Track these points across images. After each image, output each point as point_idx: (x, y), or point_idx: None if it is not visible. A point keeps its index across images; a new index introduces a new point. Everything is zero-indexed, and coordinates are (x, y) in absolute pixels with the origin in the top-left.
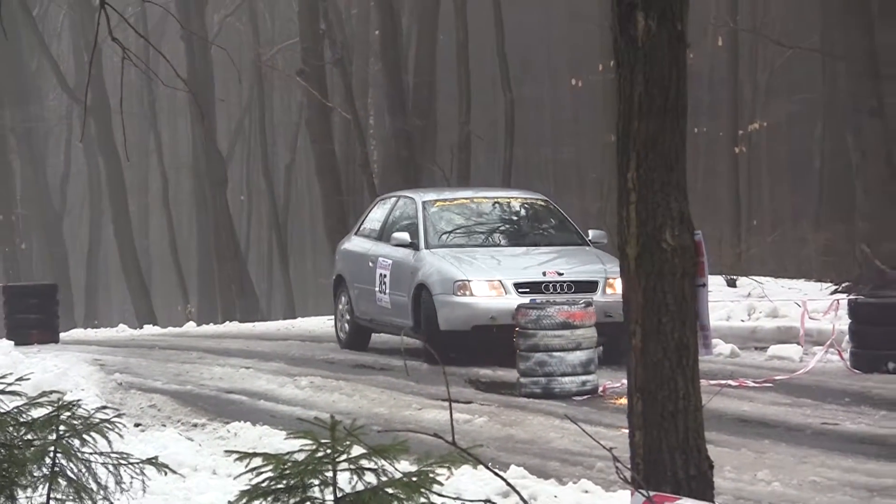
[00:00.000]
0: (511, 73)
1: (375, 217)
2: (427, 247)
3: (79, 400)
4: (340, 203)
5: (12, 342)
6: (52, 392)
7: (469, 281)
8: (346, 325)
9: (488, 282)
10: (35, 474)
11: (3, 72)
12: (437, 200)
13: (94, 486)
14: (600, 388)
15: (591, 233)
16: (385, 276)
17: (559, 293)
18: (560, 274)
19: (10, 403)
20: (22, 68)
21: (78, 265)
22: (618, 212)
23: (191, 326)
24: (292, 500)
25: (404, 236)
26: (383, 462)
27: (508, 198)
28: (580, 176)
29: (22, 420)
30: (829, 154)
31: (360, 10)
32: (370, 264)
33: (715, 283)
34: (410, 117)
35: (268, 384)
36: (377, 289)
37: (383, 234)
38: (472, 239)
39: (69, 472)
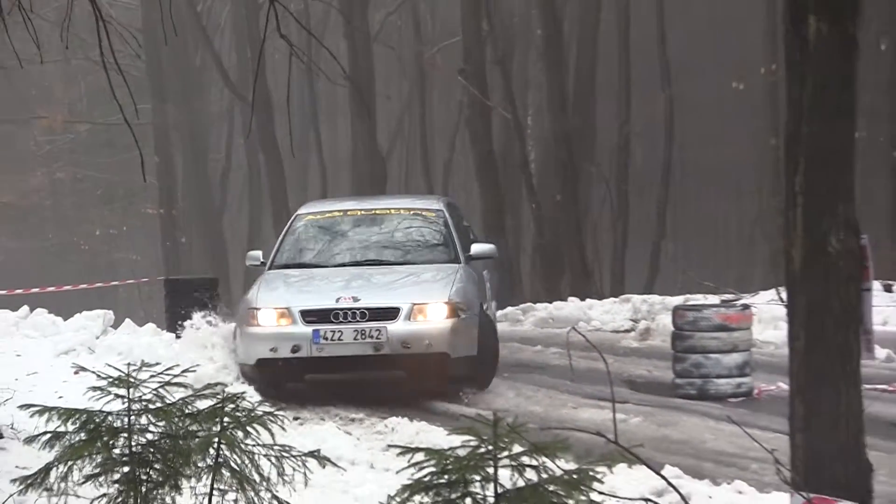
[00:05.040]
0: (672, 74)
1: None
2: (271, 267)
3: (243, 392)
4: (499, 202)
5: (174, 335)
6: (216, 384)
7: (258, 309)
8: None
9: (276, 310)
10: (199, 465)
11: (168, 68)
12: (309, 214)
13: (256, 478)
14: (755, 391)
15: (473, 247)
16: None
17: (349, 322)
18: (356, 300)
19: (175, 395)
20: (186, 64)
21: (237, 260)
22: (784, 214)
23: None
24: (454, 496)
25: (256, 255)
26: (544, 459)
27: (391, 209)
28: (737, 178)
29: (187, 412)
30: None
31: (522, 10)
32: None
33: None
34: (570, 118)
35: None
36: None
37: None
38: (323, 258)
39: (232, 464)
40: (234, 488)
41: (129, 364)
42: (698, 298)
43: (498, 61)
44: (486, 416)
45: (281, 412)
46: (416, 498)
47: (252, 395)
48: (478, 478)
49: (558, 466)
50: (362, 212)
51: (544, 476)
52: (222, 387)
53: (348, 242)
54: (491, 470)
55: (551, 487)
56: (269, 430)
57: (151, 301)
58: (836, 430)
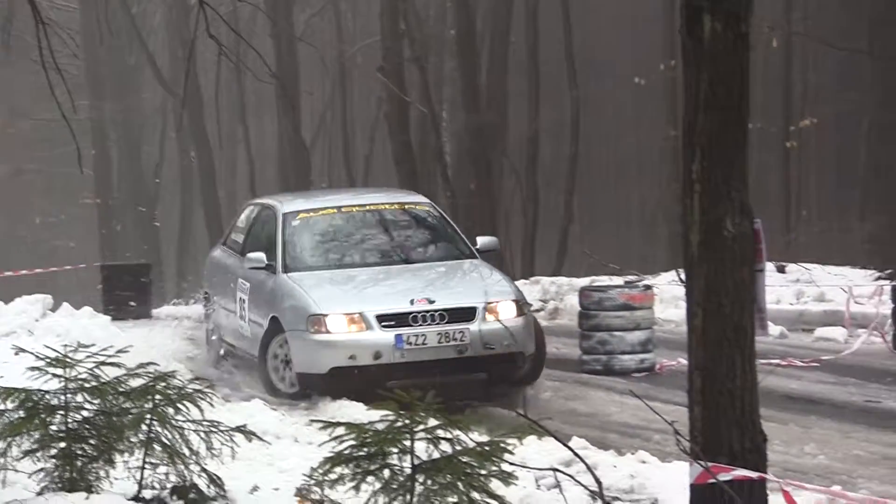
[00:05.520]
0: (578, 71)
1: (240, 226)
2: (285, 270)
3: (174, 371)
4: (415, 191)
5: (109, 317)
6: (148, 364)
7: (325, 315)
8: (219, 347)
9: (347, 315)
10: (132, 440)
11: (104, 67)
12: (300, 212)
13: (186, 452)
14: (657, 366)
15: (479, 240)
16: (244, 300)
17: (429, 325)
18: (431, 302)
19: (110, 374)
20: (122, 63)
21: (169, 247)
22: (682, 201)
23: None
24: (372, 467)
25: (260, 257)
26: (458, 432)
27: (384, 204)
28: (640, 168)
29: (121, 390)
30: (874, 150)
31: (437, 10)
32: (231, 284)
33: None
34: (483, 113)
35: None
36: (237, 314)
37: (245, 249)
38: (338, 258)
39: (164, 438)
40: (164, 462)
41: (66, 345)
42: (604, 280)
43: (415, 59)
44: (402, 393)
45: (209, 390)
46: (338, 469)
47: (182, 375)
48: (395, 450)
49: (471, 439)
50: (357, 208)
51: (458, 448)
52: (154, 366)
53: (364, 241)
54: (408, 443)
55: (465, 459)
56: (199, 407)
57: (88, 286)
58: (732, 402)
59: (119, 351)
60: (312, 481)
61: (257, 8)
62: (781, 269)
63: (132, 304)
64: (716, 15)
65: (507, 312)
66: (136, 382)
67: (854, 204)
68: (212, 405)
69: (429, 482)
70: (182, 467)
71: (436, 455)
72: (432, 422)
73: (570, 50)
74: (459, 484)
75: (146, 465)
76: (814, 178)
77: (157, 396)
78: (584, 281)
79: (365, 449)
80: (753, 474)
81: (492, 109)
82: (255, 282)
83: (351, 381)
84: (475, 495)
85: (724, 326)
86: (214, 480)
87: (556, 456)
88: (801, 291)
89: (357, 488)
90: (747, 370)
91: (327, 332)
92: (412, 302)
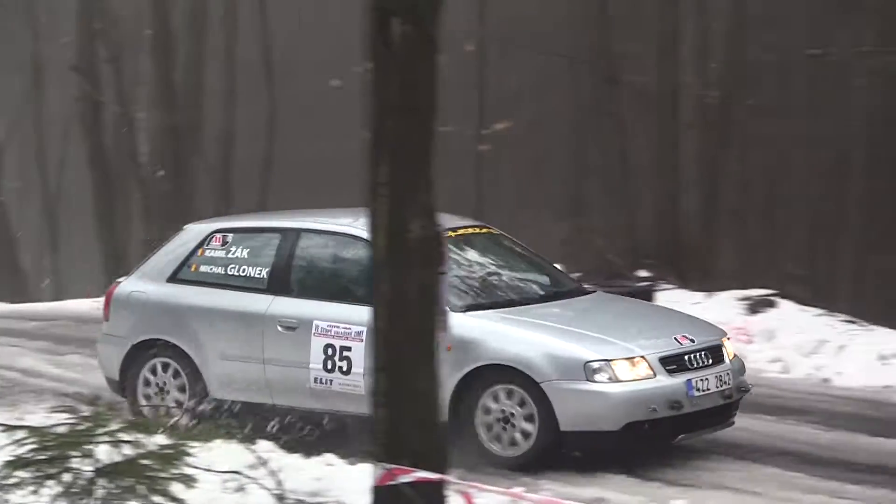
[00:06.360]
0: (275, 72)
1: (240, 258)
2: (453, 308)
3: None
4: (110, 192)
5: None
6: None
7: (609, 361)
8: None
9: (628, 360)
10: None
11: None
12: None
13: None
14: None
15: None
16: (347, 348)
17: (699, 368)
18: (692, 340)
19: None
20: None
21: None
22: (369, 204)
23: None
24: (53, 471)
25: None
26: (140, 435)
27: (467, 228)
28: (337, 171)
29: None
30: (571, 153)
31: (133, 9)
32: (279, 328)
33: None
34: (178, 113)
35: (35, 362)
36: (316, 366)
37: (288, 286)
38: (494, 294)
39: None
40: None
41: None
42: None
43: (110, 59)
44: (85, 395)
45: None
46: (19, 473)
47: None
48: (77, 454)
49: (153, 442)
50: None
51: (140, 451)
52: None
53: (491, 274)
54: (91, 447)
55: (146, 461)
56: None
57: None
58: (415, 404)
59: None
60: None
61: None
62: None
63: None
64: (404, 19)
65: (730, 348)
66: None
67: (549, 206)
68: None
69: (111, 485)
70: None
71: (118, 458)
72: (114, 425)
73: (268, 50)
74: (142, 487)
75: None
76: (509, 181)
77: None
78: None
79: (46, 453)
80: (433, 476)
81: (188, 109)
82: None
83: (646, 436)
84: (156, 498)
85: (407, 329)
86: None
87: (243, 459)
88: None
89: (36, 492)
90: (429, 372)
91: (616, 380)
92: (677, 340)
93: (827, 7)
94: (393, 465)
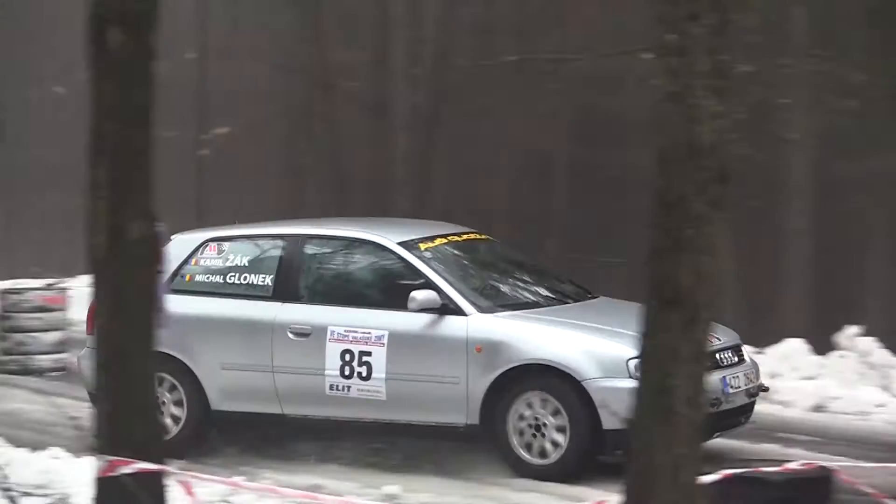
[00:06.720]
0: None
1: (242, 265)
2: (480, 310)
3: None
4: None
5: None
6: None
7: None
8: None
9: None
10: None
11: None
12: (419, 241)
13: None
14: (73, 365)
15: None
16: (367, 353)
17: (729, 366)
18: (718, 339)
19: None
20: None
21: None
22: (88, 205)
23: None
24: None
25: (431, 297)
26: None
27: (471, 237)
28: (66, 175)
29: None
30: (285, 157)
31: None
32: (290, 335)
33: None
34: None
35: None
36: (332, 372)
37: (296, 294)
38: (516, 296)
39: None
40: None
41: None
42: (27, 283)
43: None
44: None
45: None
46: None
47: None
48: None
49: None
50: (453, 237)
51: None
52: None
53: (502, 276)
54: None
55: None
56: None
57: None
58: (133, 396)
59: None
60: None
61: None
62: None
63: None
64: (121, 25)
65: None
66: None
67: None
68: None
69: None
70: None
71: None
72: None
73: None
74: None
75: None
76: (229, 185)
77: None
78: (6, 283)
79: None
80: (153, 466)
81: None
82: (402, 331)
83: None
84: None
85: (128, 325)
86: None
87: None
88: None
89: None
90: (148, 366)
91: None
92: None
93: (531, 17)
94: (113, 457)
